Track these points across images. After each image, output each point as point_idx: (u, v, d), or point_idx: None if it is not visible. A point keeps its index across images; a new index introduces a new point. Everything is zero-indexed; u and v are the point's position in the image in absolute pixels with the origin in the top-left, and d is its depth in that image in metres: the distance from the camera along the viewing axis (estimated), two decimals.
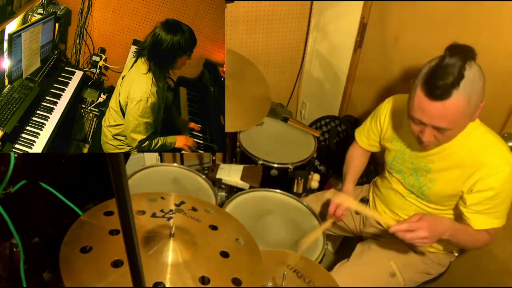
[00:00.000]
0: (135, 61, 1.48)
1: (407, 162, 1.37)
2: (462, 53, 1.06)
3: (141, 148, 1.50)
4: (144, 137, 1.47)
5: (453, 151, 1.23)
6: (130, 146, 1.55)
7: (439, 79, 1.06)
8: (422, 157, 1.31)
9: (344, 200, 1.39)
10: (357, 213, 1.62)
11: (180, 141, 1.62)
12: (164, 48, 1.39)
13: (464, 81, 1.04)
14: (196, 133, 1.86)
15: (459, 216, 1.28)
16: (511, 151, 1.19)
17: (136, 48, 1.95)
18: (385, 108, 1.44)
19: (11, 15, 1.50)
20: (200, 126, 1.89)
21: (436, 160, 1.28)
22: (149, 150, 1.53)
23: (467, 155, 1.21)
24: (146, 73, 1.43)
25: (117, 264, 0.81)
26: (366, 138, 1.57)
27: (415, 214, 1.19)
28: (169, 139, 1.59)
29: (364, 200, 1.61)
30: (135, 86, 1.42)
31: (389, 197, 1.46)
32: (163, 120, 1.62)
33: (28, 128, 1.45)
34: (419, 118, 1.13)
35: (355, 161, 1.61)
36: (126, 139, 1.55)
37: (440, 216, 1.30)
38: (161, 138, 1.56)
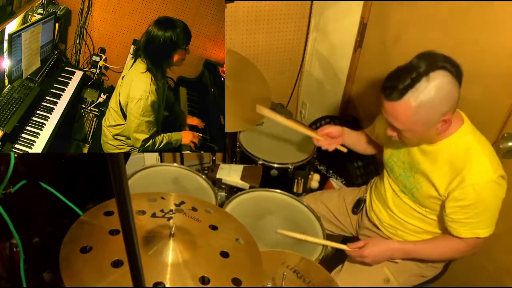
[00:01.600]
0: (134, 61, 1.48)
1: (400, 161, 1.38)
2: (428, 62, 1.07)
3: (145, 148, 1.50)
4: (147, 136, 1.47)
5: (440, 154, 1.23)
6: (130, 146, 1.55)
7: (391, 81, 1.11)
8: (412, 157, 1.32)
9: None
10: (354, 213, 1.62)
11: (186, 137, 1.61)
12: (157, 45, 1.40)
13: (415, 89, 1.07)
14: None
15: None
16: (496, 163, 1.17)
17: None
18: None
19: (11, 15, 1.50)
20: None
21: (424, 161, 1.28)
22: (153, 149, 1.52)
23: (450, 160, 1.21)
24: (145, 72, 1.43)
25: (117, 264, 0.81)
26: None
27: (362, 241, 1.36)
28: (175, 136, 1.58)
29: (361, 200, 1.61)
30: (135, 85, 1.42)
31: (386, 195, 1.46)
32: (166, 119, 1.62)
33: (28, 128, 1.45)
34: (382, 112, 1.19)
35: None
36: (126, 139, 1.54)
37: (386, 240, 1.42)
38: (165, 135, 1.55)
